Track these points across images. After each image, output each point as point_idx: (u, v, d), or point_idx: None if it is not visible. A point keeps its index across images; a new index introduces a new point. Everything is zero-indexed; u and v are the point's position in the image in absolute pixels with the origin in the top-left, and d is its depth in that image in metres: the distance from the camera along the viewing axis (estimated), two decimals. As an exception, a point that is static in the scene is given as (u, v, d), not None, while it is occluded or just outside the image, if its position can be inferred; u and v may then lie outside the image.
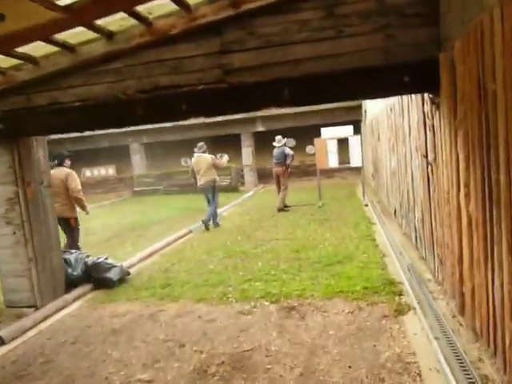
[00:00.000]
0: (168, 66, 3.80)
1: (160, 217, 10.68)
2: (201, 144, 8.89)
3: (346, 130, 9.78)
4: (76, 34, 3.83)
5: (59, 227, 5.59)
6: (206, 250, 6.57)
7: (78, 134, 17.03)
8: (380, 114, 8.05)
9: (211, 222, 8.55)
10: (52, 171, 5.58)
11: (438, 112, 3.49)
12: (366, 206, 9.30)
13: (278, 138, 10.04)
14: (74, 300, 4.71)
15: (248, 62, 3.60)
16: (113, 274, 5.05)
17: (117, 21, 3.78)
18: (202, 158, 8.58)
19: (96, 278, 5.04)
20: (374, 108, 9.47)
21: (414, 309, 3.59)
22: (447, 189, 3.29)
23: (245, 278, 4.91)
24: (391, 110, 6.38)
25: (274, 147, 9.97)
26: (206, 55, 3.72)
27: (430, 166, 3.90)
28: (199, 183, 8.60)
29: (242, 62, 3.62)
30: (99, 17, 3.17)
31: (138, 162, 17.54)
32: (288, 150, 9.87)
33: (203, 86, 3.70)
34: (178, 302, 4.35)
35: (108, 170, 18.57)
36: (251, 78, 3.60)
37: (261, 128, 16.19)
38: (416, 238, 5.17)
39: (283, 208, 9.62)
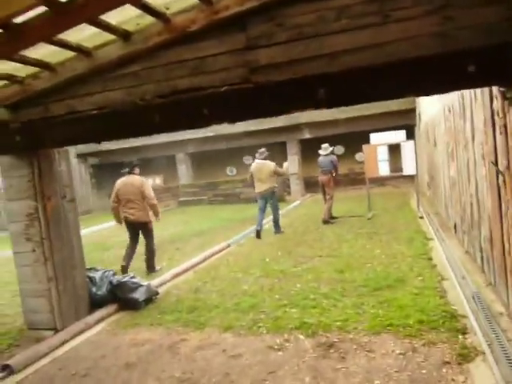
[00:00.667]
0: (188, 66, 3.38)
1: (202, 228, 10.37)
2: (262, 150, 8.69)
3: (398, 135, 9.00)
4: (91, 37, 3.53)
5: (128, 233, 6.56)
6: (242, 267, 6.09)
7: (129, 145, 17.33)
8: (436, 117, 7.25)
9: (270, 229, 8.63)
10: (123, 179, 6.36)
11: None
12: (421, 218, 8.45)
13: (325, 145, 9.43)
14: (97, 322, 4.38)
15: (277, 57, 3.10)
16: (139, 295, 4.69)
17: (133, 19, 3.42)
18: (264, 165, 8.40)
19: (121, 298, 4.70)
20: (430, 110, 8.64)
21: (483, 354, 2.89)
22: (526, 205, 2.61)
23: (280, 303, 4.36)
24: (450, 110, 5.62)
25: (320, 155, 9.37)
26: (229, 53, 3.26)
27: (501, 176, 3.20)
28: (259, 190, 8.48)
29: (270, 58, 3.12)
30: (103, 11, 2.81)
31: (184, 172, 17.50)
32: (334, 158, 9.25)
33: (227, 88, 3.24)
34: (202, 331, 3.89)
35: (155, 180, 18.69)
36: (280, 75, 3.09)
37: (307, 135, 15.60)
38: (482, 259, 4.40)
39: (329, 220, 8.98)
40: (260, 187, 8.49)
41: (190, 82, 3.39)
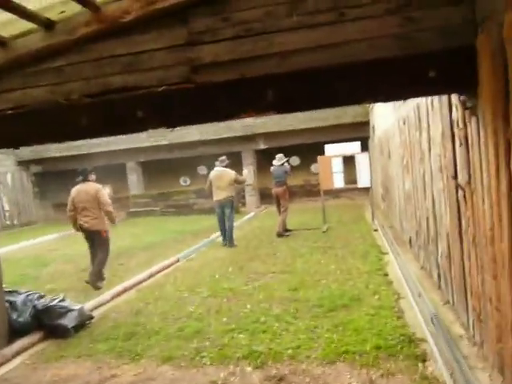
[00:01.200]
0: (121, 62, 2.96)
1: (151, 241, 9.79)
2: (223, 158, 8.57)
3: (353, 147, 8.91)
4: (6, 24, 3.04)
5: (87, 243, 6.31)
6: (189, 285, 5.64)
7: (74, 152, 16.41)
8: (390, 129, 7.18)
9: (224, 240, 8.43)
10: (78, 186, 6.19)
11: (473, 119, 2.61)
12: (376, 231, 8.36)
13: (279, 156, 9.20)
14: (15, 355, 3.79)
15: (222, 55, 2.76)
16: (68, 321, 4.14)
17: (56, 6, 2.98)
18: (224, 173, 8.34)
19: (47, 324, 4.13)
20: (384, 122, 8.61)
21: (446, 385, 2.64)
22: (491, 224, 2.38)
23: (227, 327, 3.97)
24: (404, 122, 5.50)
25: (273, 166, 9.12)
26: (168, 49, 2.87)
27: (461, 191, 3.00)
28: (218, 197, 8.32)
29: (215, 56, 2.77)
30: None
31: (135, 182, 16.77)
32: (288, 167, 9.04)
33: (165, 88, 2.85)
34: (138, 363, 3.41)
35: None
36: (225, 75, 2.74)
37: (262, 146, 15.38)
38: (439, 276, 4.22)
39: (283, 233, 8.70)
40: (219, 195, 8.32)
41: (122, 80, 2.97)
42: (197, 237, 9.80)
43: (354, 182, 9.64)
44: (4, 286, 5.07)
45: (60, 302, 4.26)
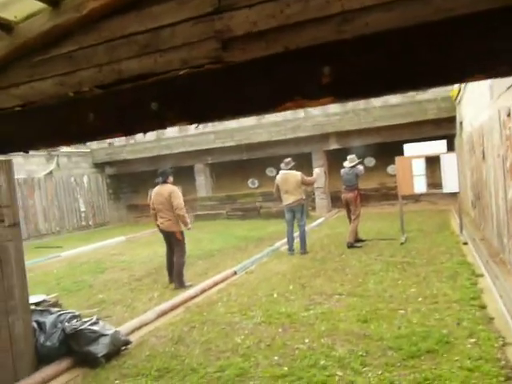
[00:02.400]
0: (137, 43, 2.33)
1: (212, 248, 9.30)
2: (288, 160, 7.97)
3: (438, 146, 7.69)
4: (8, 5, 2.55)
5: (165, 242, 6.53)
6: (243, 306, 4.96)
7: (145, 155, 16.62)
8: (486, 124, 5.94)
9: (289, 250, 7.83)
10: (157, 188, 6.37)
11: None
12: (465, 244, 7.10)
13: (351, 157, 8.24)
14: (38, 386, 3.35)
15: (260, 23, 2.01)
16: (98, 348, 3.63)
17: (61, -23, 2.43)
18: (290, 175, 7.76)
19: (76, 351, 3.66)
20: (476, 117, 7.32)
21: None
22: None
23: (278, 371, 3.21)
24: (510, 113, 4.36)
25: (344, 168, 8.18)
26: (192, 20, 2.19)
27: None
28: (287, 202, 7.78)
29: (250, 25, 2.03)
30: None
31: (202, 184, 16.55)
32: (360, 169, 8.06)
33: (188, 70, 2.17)
34: (163, 416, 2.79)
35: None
36: (265, 49, 1.99)
37: (335, 145, 14.36)
38: None
39: (354, 243, 7.73)
40: (287, 199, 7.77)
41: (139, 64, 2.34)
42: (260, 244, 9.15)
43: (439, 186, 8.41)
44: (48, 297, 4.78)
45: (92, 324, 3.77)
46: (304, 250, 7.67)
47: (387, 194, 14.66)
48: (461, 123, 10.78)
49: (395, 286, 5.15)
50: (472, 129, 7.78)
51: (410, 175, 7.83)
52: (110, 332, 3.79)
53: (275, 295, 5.27)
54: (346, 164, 8.19)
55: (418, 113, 12.47)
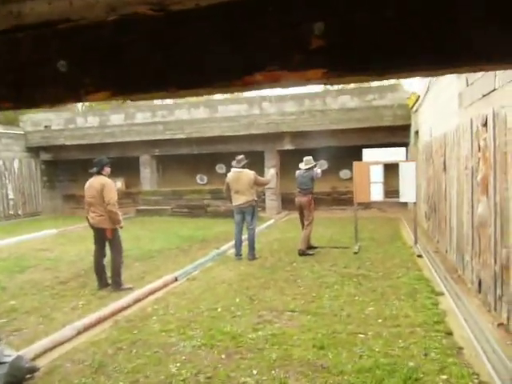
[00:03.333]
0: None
1: (152, 248, 8.50)
2: (240, 157, 7.36)
3: (397, 154, 7.41)
4: None
5: (94, 239, 5.80)
6: (181, 322, 4.30)
7: (86, 141, 15.37)
8: (453, 133, 5.66)
9: (237, 254, 7.27)
10: (91, 179, 5.72)
11: None
12: (420, 257, 6.84)
13: (307, 158, 7.77)
14: None
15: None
16: (-10, 381, 2.85)
17: None
18: (242, 174, 7.20)
19: (-40, 385, 2.85)
20: (438, 126, 7.10)
21: None
22: None
23: (219, 418, 2.60)
24: (485, 123, 4.01)
25: (299, 170, 7.71)
26: None
27: None
28: (237, 203, 7.21)
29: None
30: None
31: (148, 177, 15.56)
32: (318, 172, 7.62)
33: (115, 18, 1.49)
34: None
35: (116, 183, 16.61)
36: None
37: (289, 146, 13.96)
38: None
39: (306, 251, 7.27)
40: (238, 200, 7.20)
41: (48, 7, 1.62)
42: (205, 246, 8.50)
43: (393, 194, 8.17)
44: None
45: (-15, 350, 2.96)
46: (252, 255, 7.12)
47: (338, 199, 14.50)
48: (416, 132, 10.70)
49: (352, 303, 4.70)
50: (432, 138, 7.58)
51: (367, 182, 7.49)
52: (8, 359, 3.00)
53: (219, 309, 4.65)
54: (302, 166, 7.72)
55: (374, 118, 12.33)
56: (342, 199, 14.24)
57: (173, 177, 16.26)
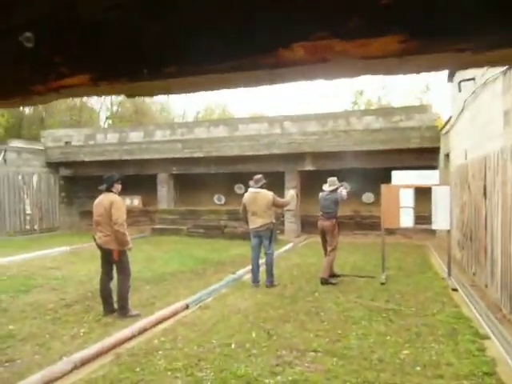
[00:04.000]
0: None
1: (165, 271, 8.06)
2: (259, 177, 6.84)
3: (430, 176, 6.87)
4: None
5: (101, 259, 5.41)
6: (189, 360, 3.80)
7: (105, 158, 15.24)
8: (496, 155, 5.13)
9: (254, 281, 6.74)
10: (100, 196, 5.39)
11: None
12: (455, 290, 6.22)
13: (332, 179, 7.28)
14: None
15: None
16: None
17: None
18: (260, 195, 6.68)
19: None
20: (476, 148, 6.55)
21: None
22: None
23: None
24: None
25: (323, 192, 7.22)
26: None
27: None
28: (254, 226, 6.67)
29: None
30: None
31: (165, 195, 15.25)
32: (343, 194, 7.12)
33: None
34: None
35: (133, 201, 16.43)
36: None
37: (310, 167, 13.50)
38: None
39: (329, 279, 6.72)
40: (254, 222, 6.65)
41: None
42: (220, 270, 8.03)
43: (423, 220, 7.59)
44: None
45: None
46: (271, 282, 6.61)
47: (361, 223, 13.87)
48: (447, 155, 10.13)
49: (383, 344, 4.14)
50: (467, 161, 7.02)
51: (396, 206, 6.95)
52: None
53: (233, 345, 4.15)
54: (326, 187, 7.24)
55: (400, 140, 11.81)
56: (364, 223, 13.62)
57: (190, 196, 15.93)
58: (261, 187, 6.75)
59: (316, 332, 4.51)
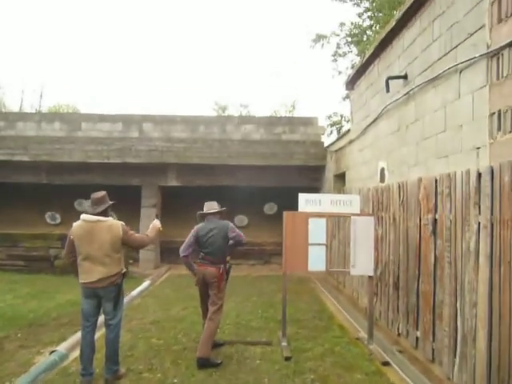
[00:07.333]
0: None
1: None
2: (99, 195, 4.05)
3: (348, 203, 5.04)
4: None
5: None
6: None
7: None
8: (451, 180, 3.44)
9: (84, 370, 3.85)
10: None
11: None
12: (386, 365, 4.41)
13: (210, 203, 4.92)
14: None
15: None
16: None
17: None
18: (100, 226, 3.87)
19: None
20: (398, 170, 4.95)
21: None
22: None
23: None
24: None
25: (202, 217, 4.85)
26: None
27: None
28: (88, 279, 3.85)
29: None
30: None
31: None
32: (240, 240, 4.82)
33: None
34: None
35: None
36: None
37: (174, 182, 11.00)
38: None
39: (210, 359, 4.30)
40: (89, 273, 3.85)
41: None
42: (34, 339, 5.01)
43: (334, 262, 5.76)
44: None
45: None
46: (113, 372, 3.92)
47: (235, 252, 11.76)
48: (338, 175, 8.69)
49: None
50: (390, 184, 5.41)
51: (304, 242, 4.94)
52: None
53: None
54: (207, 210, 4.86)
55: (282, 155, 10.14)
56: (237, 251, 11.57)
57: (5, 214, 11.84)
58: (104, 212, 3.96)
59: None
